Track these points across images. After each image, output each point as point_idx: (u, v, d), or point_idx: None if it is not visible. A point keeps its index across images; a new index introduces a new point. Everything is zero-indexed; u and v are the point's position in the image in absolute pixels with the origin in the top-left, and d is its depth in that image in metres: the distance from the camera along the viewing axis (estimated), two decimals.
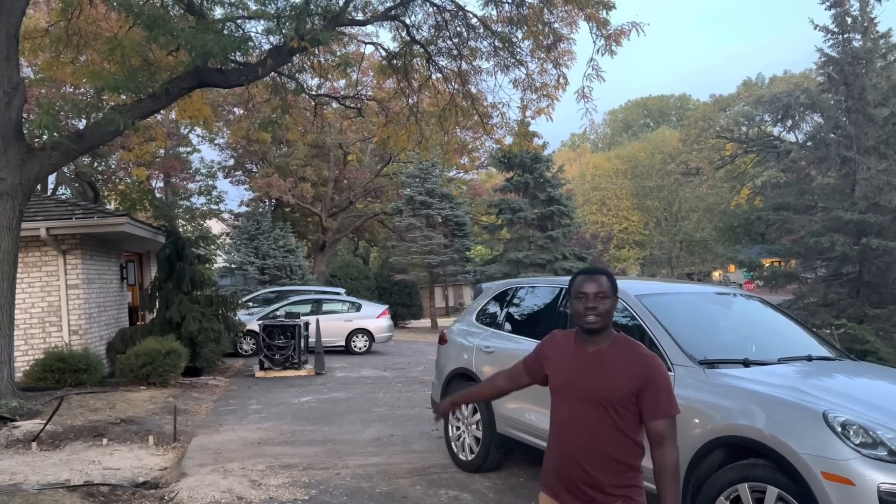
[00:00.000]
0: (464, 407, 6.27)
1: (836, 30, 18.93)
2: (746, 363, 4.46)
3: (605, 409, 2.40)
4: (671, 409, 2.42)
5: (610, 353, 2.48)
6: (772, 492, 3.64)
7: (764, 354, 4.71)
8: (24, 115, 9.81)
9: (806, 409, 3.71)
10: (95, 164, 27.40)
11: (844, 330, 11.86)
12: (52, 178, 24.73)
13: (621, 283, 5.34)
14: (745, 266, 20.18)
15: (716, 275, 48.05)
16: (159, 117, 23.24)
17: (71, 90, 20.10)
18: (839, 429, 3.52)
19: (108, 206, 24.54)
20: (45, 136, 9.55)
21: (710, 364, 4.39)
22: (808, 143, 20.85)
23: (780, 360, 4.65)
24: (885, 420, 3.65)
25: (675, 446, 2.41)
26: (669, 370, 4.37)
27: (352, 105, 15.55)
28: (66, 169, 23.24)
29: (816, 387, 4.18)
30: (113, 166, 28.94)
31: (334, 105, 19.60)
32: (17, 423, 7.46)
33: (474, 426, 6.13)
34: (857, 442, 3.46)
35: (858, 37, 19.06)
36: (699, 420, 4.10)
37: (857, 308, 14.73)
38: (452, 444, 6.40)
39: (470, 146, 27.99)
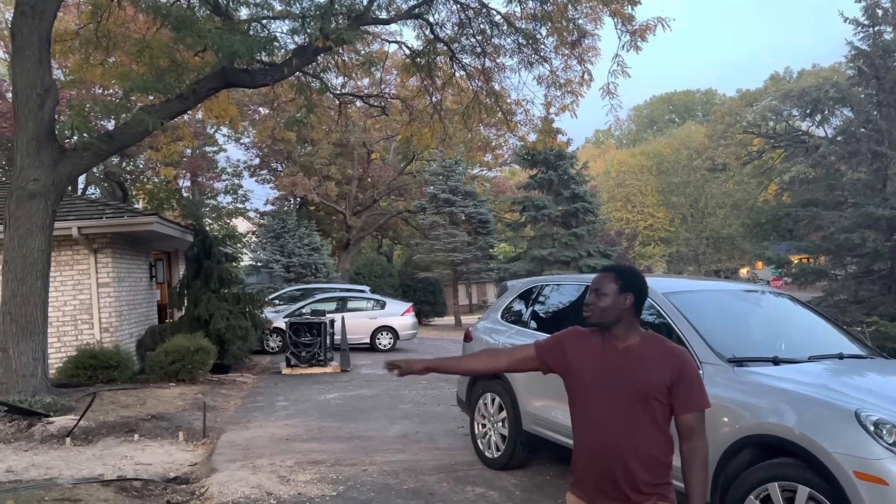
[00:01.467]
0: (489, 405, 6.29)
1: (866, 22, 18.59)
2: (776, 361, 4.41)
3: (639, 403, 2.43)
4: (703, 403, 2.46)
5: (640, 348, 2.51)
6: (803, 491, 3.60)
7: (794, 352, 4.66)
8: (56, 117, 9.99)
9: (838, 407, 3.67)
10: (124, 164, 27.80)
11: (876, 327, 11.67)
12: (81, 178, 25.13)
13: (649, 281, 5.33)
14: (773, 263, 19.92)
15: (743, 272, 47.45)
16: (186, 117, 23.52)
17: (101, 91, 20.43)
18: (872, 428, 3.47)
19: (136, 206, 24.91)
20: (76, 137, 9.72)
21: (739, 362, 4.35)
22: (838, 138, 20.49)
23: (811, 358, 4.59)
24: None
25: (704, 439, 2.44)
26: (698, 368, 4.34)
27: (376, 103, 15.62)
28: (95, 169, 23.61)
29: (848, 385, 4.13)
30: (141, 166, 29.35)
31: (358, 104, 19.71)
32: (51, 419, 7.62)
33: (500, 424, 6.14)
34: (891, 441, 3.41)
35: (889, 29, 18.71)
36: (728, 419, 4.07)
37: (888, 305, 14.45)
38: (478, 441, 6.42)
39: (493, 143, 27.95)
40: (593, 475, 2.49)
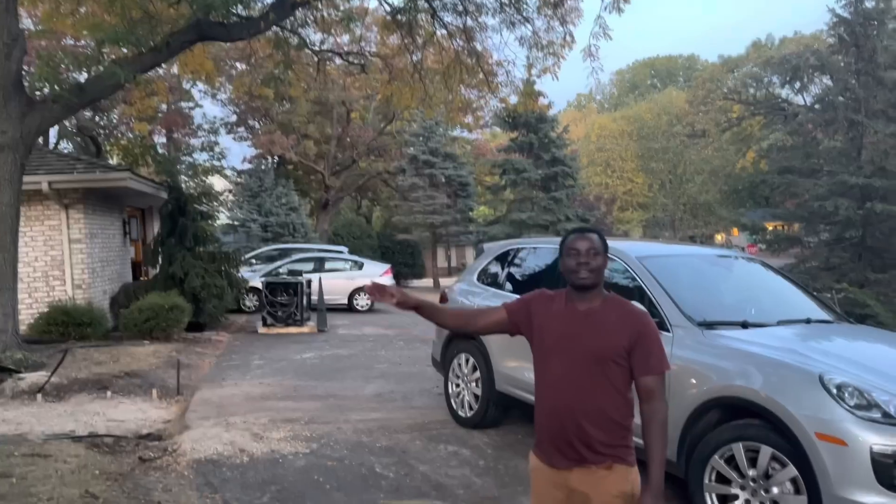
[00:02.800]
0: (464, 365, 6.35)
1: None
2: (745, 325, 4.48)
3: (599, 366, 2.43)
4: (662, 366, 2.45)
5: (602, 311, 2.50)
6: (766, 451, 3.69)
7: (763, 316, 4.73)
8: (25, 68, 9.70)
9: (802, 370, 3.75)
10: (97, 119, 27.21)
11: (845, 294, 11.87)
12: (53, 132, 24.61)
13: (623, 245, 5.37)
14: (748, 229, 20.09)
15: (718, 238, 47.98)
16: (161, 71, 22.99)
17: (71, 43, 19.85)
18: (834, 390, 3.55)
19: (110, 161, 24.45)
20: (45, 89, 9.46)
21: (709, 325, 4.41)
22: (816, 106, 20.59)
23: (779, 323, 4.67)
24: (880, 382, 3.68)
25: (664, 401, 2.45)
26: (668, 331, 4.40)
27: (355, 61, 15.35)
28: (67, 123, 23.11)
29: (814, 349, 4.21)
30: (115, 121, 28.75)
31: (337, 61, 19.34)
32: (22, 375, 7.54)
33: (473, 384, 6.20)
34: (852, 404, 3.50)
35: None
36: (696, 380, 4.14)
37: (858, 272, 14.68)
38: (452, 400, 6.49)
39: (474, 105, 27.75)
40: (551, 435, 2.52)
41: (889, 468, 3.34)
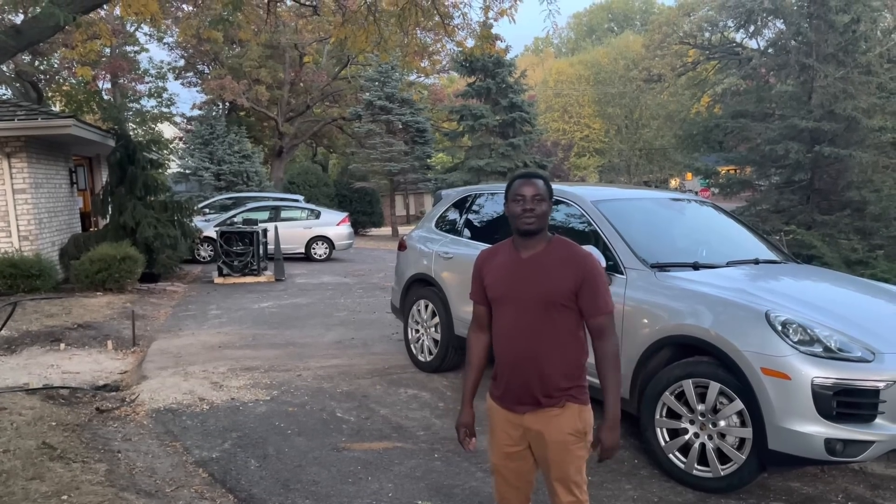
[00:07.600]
0: (423, 311, 6.40)
1: None
2: (696, 266, 4.59)
3: (548, 310, 2.47)
4: (608, 306, 2.51)
5: (546, 255, 2.52)
6: (714, 387, 3.83)
7: (713, 258, 4.85)
8: None
9: (750, 309, 3.87)
10: (37, 63, 26.01)
11: (793, 236, 12.19)
12: None
13: (579, 189, 5.41)
14: (701, 173, 20.37)
15: (673, 182, 48.66)
16: (103, 13, 22.01)
17: None
18: (779, 327, 3.68)
19: (52, 108, 23.51)
20: None
21: (662, 267, 4.50)
22: (769, 50, 20.73)
23: (729, 264, 4.80)
24: (823, 319, 3.84)
25: (615, 337, 2.52)
26: (622, 273, 4.49)
27: (307, 3, 14.91)
28: (6, 68, 22.05)
29: (761, 288, 4.35)
30: (56, 65, 27.52)
31: (288, 2, 18.76)
32: None
33: (433, 329, 6.26)
34: (796, 339, 3.64)
35: None
36: (649, 321, 4.25)
37: (806, 215, 15.05)
38: (412, 346, 6.56)
39: (431, 49, 27.29)
40: (509, 383, 2.57)
41: (828, 399, 3.51)
